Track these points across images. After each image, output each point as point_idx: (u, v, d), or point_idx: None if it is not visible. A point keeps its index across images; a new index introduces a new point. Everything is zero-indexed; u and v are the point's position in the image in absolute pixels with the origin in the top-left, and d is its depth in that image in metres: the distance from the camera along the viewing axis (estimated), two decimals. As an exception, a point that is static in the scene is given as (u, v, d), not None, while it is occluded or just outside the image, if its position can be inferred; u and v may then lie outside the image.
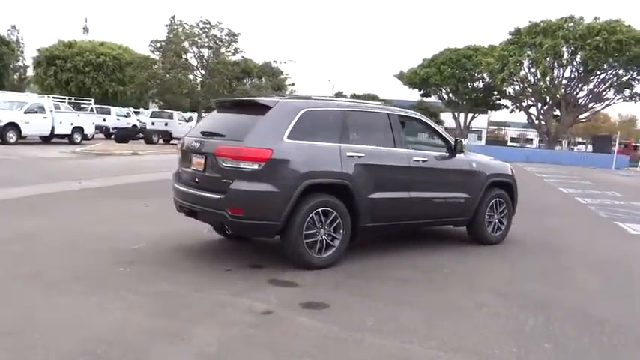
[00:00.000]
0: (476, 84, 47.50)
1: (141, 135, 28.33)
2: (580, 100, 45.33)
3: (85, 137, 24.46)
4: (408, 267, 5.73)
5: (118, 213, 8.10)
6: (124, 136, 27.08)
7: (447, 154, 6.59)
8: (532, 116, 47.00)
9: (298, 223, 5.16)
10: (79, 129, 24.05)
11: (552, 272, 5.85)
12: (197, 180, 5.49)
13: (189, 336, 3.57)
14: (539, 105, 45.57)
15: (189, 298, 4.36)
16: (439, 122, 71.18)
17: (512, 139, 70.04)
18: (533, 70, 41.88)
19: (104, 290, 4.42)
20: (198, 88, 25.30)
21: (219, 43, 27.04)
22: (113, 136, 27.78)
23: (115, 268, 5.11)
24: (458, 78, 45.73)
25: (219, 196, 5.09)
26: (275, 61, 33.71)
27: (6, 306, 3.97)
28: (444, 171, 6.54)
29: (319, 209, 5.29)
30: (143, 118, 33.97)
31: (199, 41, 26.42)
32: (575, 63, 41.34)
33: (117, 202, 8.96)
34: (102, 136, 28.89)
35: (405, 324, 4.03)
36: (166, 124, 28.86)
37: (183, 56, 26.95)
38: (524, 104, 46.50)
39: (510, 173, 7.39)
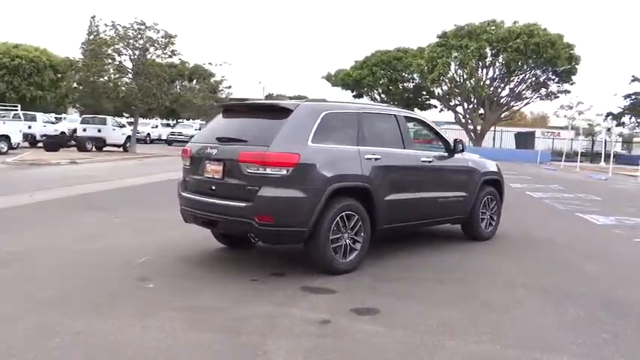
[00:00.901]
0: (407, 85, 48.89)
1: (72, 142, 26.69)
2: (502, 100, 47.99)
3: (10, 146, 22.70)
4: (425, 267, 5.78)
5: (94, 227, 7.58)
6: (54, 144, 25.32)
7: (446, 154, 6.73)
8: (459, 115, 49.14)
9: (325, 229, 5.07)
10: (4, 137, 22.28)
11: (557, 265, 6.10)
12: (214, 188, 5.25)
13: (263, 351, 3.40)
14: (466, 104, 47.74)
15: (235, 311, 4.15)
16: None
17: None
18: (460, 71, 43.77)
19: (139, 309, 4.12)
20: (136, 92, 24.13)
21: (156, 45, 26.04)
22: (42, 145, 25.97)
23: (138, 285, 4.79)
24: (390, 79, 46.93)
25: (244, 204, 4.90)
26: (210, 63, 32.87)
27: (46, 335, 3.59)
28: (446, 170, 6.69)
29: (343, 213, 5.22)
30: (66, 124, 32.09)
31: (135, 43, 25.30)
32: (498, 64, 43.67)
33: (84, 215, 8.39)
34: (27, 144, 26.94)
35: (464, 324, 4.06)
36: (99, 131, 27.30)
37: (117, 58, 25.72)
38: (451, 104, 48.52)
39: (498, 170, 7.68)
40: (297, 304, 4.36)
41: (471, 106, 47.91)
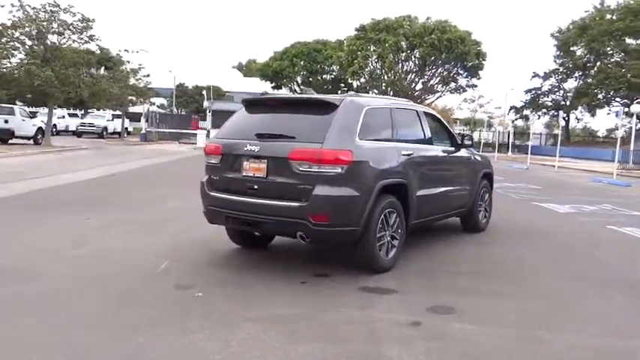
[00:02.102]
0: (326, 77, 49.35)
1: (-28, 135, 23.98)
2: (416, 93, 50.00)
3: None
4: (454, 261, 5.86)
5: (72, 230, 6.86)
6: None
7: (454, 149, 6.86)
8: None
9: (374, 226, 4.97)
10: None
11: (569, 254, 6.42)
12: (256, 187, 4.94)
13: (389, 358, 3.26)
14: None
15: (317, 317, 3.93)
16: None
17: None
18: (379, 64, 44.95)
19: (212, 321, 3.78)
20: (53, 79, 22.08)
21: (72, 29, 24.06)
22: None
23: (183, 294, 4.39)
24: (310, 70, 47.08)
25: (297, 204, 4.66)
26: (126, 50, 30.84)
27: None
28: (458, 164, 6.82)
29: (386, 210, 5.15)
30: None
31: (49, 27, 23.18)
32: (414, 58, 45.38)
33: (49, 217, 7.58)
34: None
35: (542, 316, 4.15)
36: (6, 121, 24.79)
37: (28, 42, 23.44)
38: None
39: (490, 164, 7.97)
40: (373, 306, 4.23)
41: (387, 99, 49.41)
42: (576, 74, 46.09)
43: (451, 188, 6.57)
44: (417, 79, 48.32)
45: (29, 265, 5.15)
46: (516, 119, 46.92)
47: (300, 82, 49.05)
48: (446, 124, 7.00)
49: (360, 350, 3.39)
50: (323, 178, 4.65)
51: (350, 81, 48.66)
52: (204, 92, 41.69)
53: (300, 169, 4.69)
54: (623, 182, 17.02)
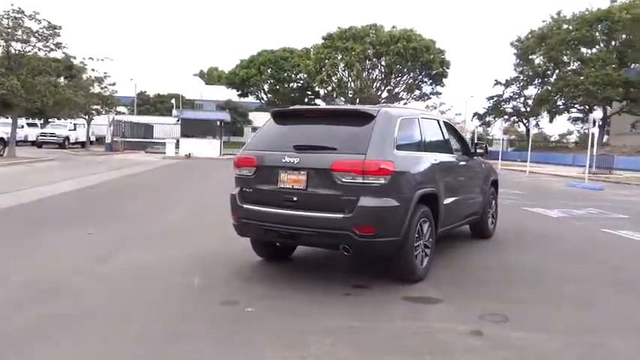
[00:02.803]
0: (293, 85, 49.36)
1: None
2: (382, 100, 50.63)
3: None
4: (483, 269, 5.94)
5: (82, 245, 6.65)
6: None
7: (468, 157, 6.98)
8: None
9: (412, 236, 5.01)
10: None
11: (581, 257, 6.66)
12: (295, 199, 4.90)
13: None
14: (349, 105, 49.63)
15: (378, 329, 3.92)
16: (248, 122, 72.33)
17: None
18: (346, 72, 45.31)
19: (269, 337, 3.71)
20: (18, 88, 21.21)
21: (37, 37, 23.22)
22: None
23: (234, 310, 4.31)
24: (277, 78, 47.01)
25: (341, 215, 4.64)
26: (91, 58, 30.00)
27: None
28: (472, 172, 6.96)
29: (421, 220, 5.19)
30: None
31: (14, 34, 22.31)
32: (380, 66, 45.96)
33: (50, 232, 7.31)
34: None
35: (593, 322, 4.30)
36: (-33, 133, 23.75)
37: (-7, 51, 22.49)
38: (337, 103, 50.08)
39: (495, 171, 8.15)
40: (425, 317, 4.27)
41: (354, 106, 49.90)
42: (536, 82, 47.71)
43: (468, 196, 6.69)
44: (382, 87, 48.94)
45: (61, 282, 4.94)
46: (480, 125, 48.18)
47: (267, 90, 48.90)
48: (460, 133, 7.12)
49: (439, 362, 3.39)
50: (367, 189, 4.65)
51: (317, 89, 48.87)
52: (172, 101, 40.98)
53: (343, 180, 4.68)
54: (596, 186, 17.70)
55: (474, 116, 52.64)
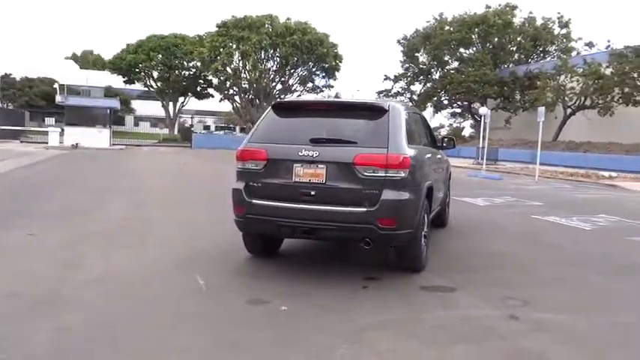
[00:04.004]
0: (185, 73, 47.43)
1: None
2: (276, 92, 50.64)
3: None
4: (465, 256, 6.25)
5: (39, 250, 5.98)
6: None
7: (436, 150, 7.27)
8: (237, 105, 50.12)
9: (421, 227, 5.17)
10: None
11: (550, 246, 7.22)
12: (313, 193, 4.79)
13: (539, 351, 3.48)
14: (243, 95, 48.91)
15: (423, 320, 3.99)
16: (130, 110, 68.29)
17: (222, 128, 72.14)
18: (242, 62, 44.53)
19: (322, 336, 3.62)
20: None
21: None
22: None
23: (268, 311, 4.14)
24: (169, 66, 44.90)
25: (365, 209, 4.64)
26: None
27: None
28: (442, 165, 7.27)
29: (425, 211, 5.36)
30: None
31: None
32: (275, 57, 45.82)
33: None
34: None
35: (612, 302, 4.72)
36: None
37: None
38: (229, 93, 49.07)
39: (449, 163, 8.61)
40: (455, 305, 4.41)
41: (247, 97, 49.30)
42: (421, 78, 50.63)
43: (440, 186, 7.00)
44: (277, 79, 48.91)
45: (51, 294, 4.37)
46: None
47: (156, 77, 46.44)
48: (430, 127, 7.42)
49: (505, 349, 3.54)
50: (389, 183, 4.69)
51: (210, 78, 47.49)
52: (55, 85, 37.33)
53: (365, 174, 4.67)
54: (495, 176, 19.34)
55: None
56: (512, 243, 7.18)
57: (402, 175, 4.74)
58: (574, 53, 44.73)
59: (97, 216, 8.20)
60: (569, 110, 34.68)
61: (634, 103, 28.94)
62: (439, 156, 6.96)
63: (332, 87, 52.33)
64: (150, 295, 4.46)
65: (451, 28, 46.25)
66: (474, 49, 47.03)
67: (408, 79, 50.66)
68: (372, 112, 5.11)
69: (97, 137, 31.80)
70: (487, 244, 7.08)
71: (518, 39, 46.65)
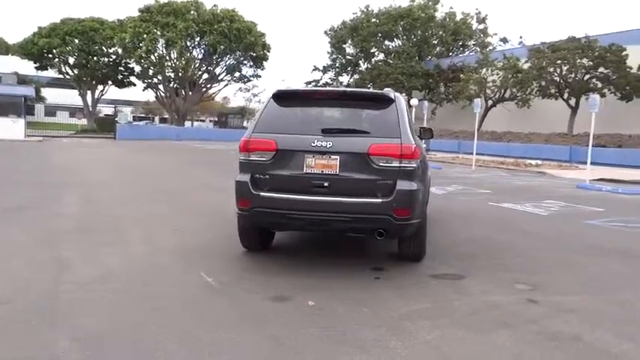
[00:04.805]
0: (105, 59, 44.81)
1: None
2: (202, 81, 49.28)
3: None
4: (452, 244, 6.39)
5: (18, 251, 5.44)
6: None
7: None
8: (161, 94, 48.25)
9: (425, 217, 5.22)
10: None
11: (508, 230, 7.59)
12: (326, 184, 4.69)
13: (576, 334, 3.62)
14: (168, 84, 47.14)
15: (452, 308, 4.04)
16: (41, 99, 63.83)
17: (140, 118, 68.91)
18: (167, 49, 42.84)
19: (365, 331, 3.59)
20: None
21: None
22: None
23: (296, 307, 4.01)
24: (87, 51, 42.22)
25: (381, 200, 4.61)
26: None
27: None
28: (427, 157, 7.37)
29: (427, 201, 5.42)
30: None
31: None
32: (204, 45, 44.49)
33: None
34: None
35: (596, 282, 5.01)
36: None
37: None
38: (153, 82, 47.10)
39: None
40: (472, 292, 4.48)
41: (172, 86, 47.59)
42: (349, 69, 51.26)
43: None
44: (204, 67, 47.61)
45: (51, 299, 3.97)
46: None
47: (72, 63, 43.47)
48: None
49: (542, 332, 3.65)
50: (403, 173, 4.68)
51: (132, 65, 45.29)
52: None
53: (380, 164, 4.64)
54: (436, 165, 19.91)
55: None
56: (489, 229, 7.44)
57: (414, 165, 4.76)
58: (490, 48, 47.03)
59: (55, 212, 7.58)
60: (490, 102, 36.55)
61: (549, 95, 30.99)
62: (424, 146, 7.06)
63: (260, 77, 51.89)
64: (160, 294, 4.17)
65: (378, 21, 47.16)
66: (400, 41, 48.28)
67: (337, 70, 51.13)
68: (378, 101, 5.07)
69: (10, 128, 29.33)
70: (467, 230, 7.30)
71: (441, 33, 48.38)
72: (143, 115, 72.94)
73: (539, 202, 10.43)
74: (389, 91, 5.18)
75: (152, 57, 43.24)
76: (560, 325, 3.79)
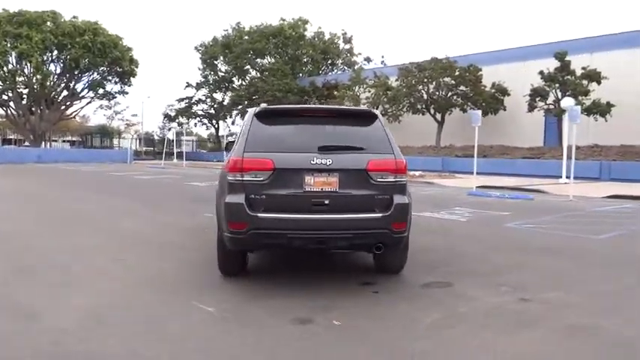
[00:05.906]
0: None
1: None
2: (61, 98, 45.40)
3: None
4: (423, 251, 6.54)
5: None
6: None
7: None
8: (12, 112, 43.51)
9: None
10: None
11: (458, 236, 8.05)
12: (326, 202, 4.63)
13: (599, 326, 3.99)
14: (19, 101, 42.69)
15: (463, 315, 4.21)
16: None
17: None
18: (21, 63, 38.81)
19: (408, 339, 3.67)
20: None
21: None
22: None
23: (325, 329, 3.89)
24: None
25: (380, 215, 4.67)
26: None
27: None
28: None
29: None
30: None
31: None
32: (64, 59, 41.04)
33: None
34: None
35: (573, 278, 5.52)
36: None
37: None
38: (3, 99, 42.31)
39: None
40: (469, 297, 4.68)
41: (28, 104, 43.17)
42: (222, 86, 50.64)
43: None
44: (63, 83, 43.92)
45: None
46: (179, 126, 47.78)
47: None
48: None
49: (561, 326, 3.96)
50: (397, 188, 4.80)
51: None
52: None
53: (378, 179, 4.71)
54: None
55: (165, 118, 52.35)
56: (431, 236, 7.77)
57: (405, 179, 4.90)
58: (357, 66, 49.70)
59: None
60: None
61: (418, 111, 33.56)
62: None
63: (127, 93, 49.25)
64: (168, 335, 3.78)
65: (250, 38, 47.39)
66: (273, 59, 48.95)
67: (211, 86, 50.29)
68: (364, 118, 5.15)
69: None
70: (415, 238, 7.58)
71: (311, 51, 50.04)
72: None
73: (450, 209, 11.22)
74: (368, 108, 5.29)
75: (1, 71, 38.91)
76: (571, 318, 4.14)
